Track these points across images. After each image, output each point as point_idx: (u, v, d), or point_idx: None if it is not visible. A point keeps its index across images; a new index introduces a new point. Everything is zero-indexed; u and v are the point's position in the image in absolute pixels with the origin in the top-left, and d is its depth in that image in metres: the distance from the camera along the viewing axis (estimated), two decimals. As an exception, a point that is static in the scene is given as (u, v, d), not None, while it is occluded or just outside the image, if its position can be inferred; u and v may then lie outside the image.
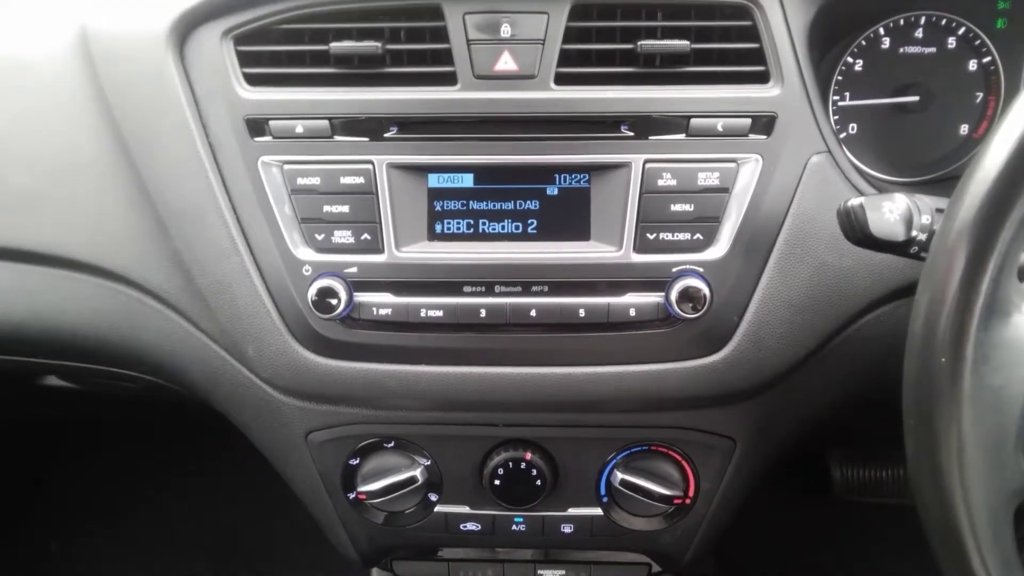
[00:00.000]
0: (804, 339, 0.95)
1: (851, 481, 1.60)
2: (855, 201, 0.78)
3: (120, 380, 1.16)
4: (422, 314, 0.92)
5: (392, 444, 1.07)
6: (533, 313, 0.92)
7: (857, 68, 1.04)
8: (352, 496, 1.09)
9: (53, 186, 1.00)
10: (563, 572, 1.20)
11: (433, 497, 1.09)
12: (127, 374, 1.13)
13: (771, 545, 1.79)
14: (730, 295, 0.92)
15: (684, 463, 1.06)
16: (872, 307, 0.96)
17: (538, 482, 1.05)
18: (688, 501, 1.08)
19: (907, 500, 0.71)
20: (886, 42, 1.03)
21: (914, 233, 0.77)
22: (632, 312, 0.92)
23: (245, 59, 0.94)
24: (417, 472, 1.05)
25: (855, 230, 0.78)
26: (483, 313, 0.92)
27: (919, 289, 0.66)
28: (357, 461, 1.07)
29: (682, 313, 0.90)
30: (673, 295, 0.90)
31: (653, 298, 0.92)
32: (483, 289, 0.93)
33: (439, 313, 0.92)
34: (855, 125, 1.05)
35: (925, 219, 0.77)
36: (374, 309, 0.93)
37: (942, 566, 0.68)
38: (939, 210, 0.77)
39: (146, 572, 1.88)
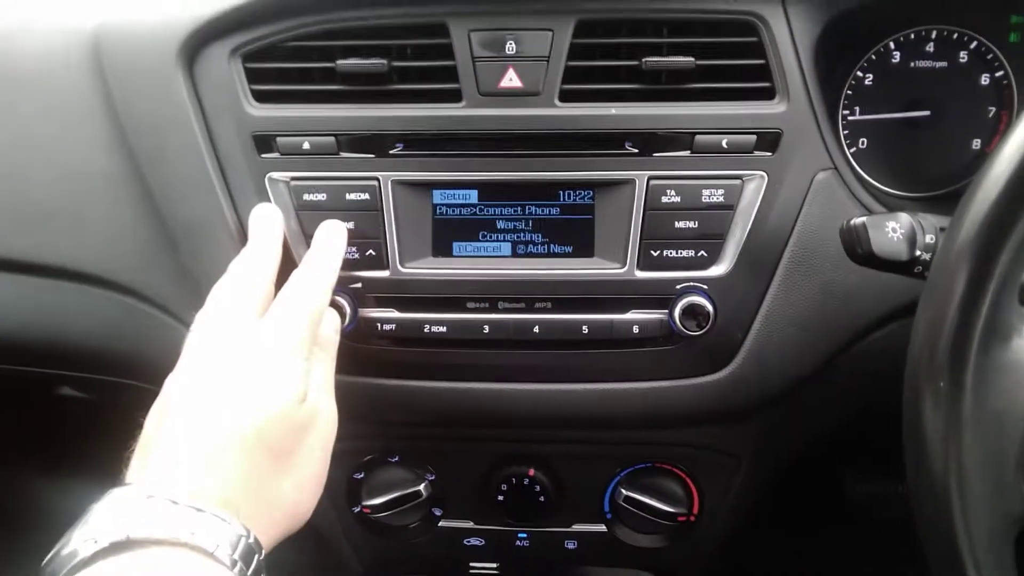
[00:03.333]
0: (809, 357, 0.95)
1: (863, 496, 1.58)
2: (858, 220, 0.77)
3: (129, 391, 1.16)
4: (426, 330, 0.93)
5: (396, 459, 1.07)
6: (536, 330, 0.92)
7: (867, 82, 1.02)
8: (356, 510, 1.09)
9: (66, 200, 1.01)
10: (568, 586, 1.19)
11: (437, 512, 1.10)
12: (137, 385, 1.14)
13: (784, 555, 1.76)
14: (734, 313, 0.92)
15: (688, 480, 1.06)
16: (879, 325, 0.95)
17: (542, 498, 1.05)
18: (692, 518, 1.07)
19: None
20: (897, 56, 1.02)
21: (918, 252, 0.76)
22: (636, 329, 0.92)
23: (253, 76, 0.95)
24: (421, 487, 1.06)
25: (858, 249, 0.77)
26: (486, 329, 0.92)
27: (918, 311, 0.65)
28: (362, 475, 1.08)
29: (686, 330, 0.90)
30: (677, 312, 0.90)
31: (657, 315, 0.91)
32: (487, 305, 0.93)
33: (443, 329, 0.93)
34: (865, 140, 1.04)
35: (929, 238, 0.76)
36: (378, 324, 0.93)
37: (944, 592, 0.68)
38: (943, 229, 0.76)
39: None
